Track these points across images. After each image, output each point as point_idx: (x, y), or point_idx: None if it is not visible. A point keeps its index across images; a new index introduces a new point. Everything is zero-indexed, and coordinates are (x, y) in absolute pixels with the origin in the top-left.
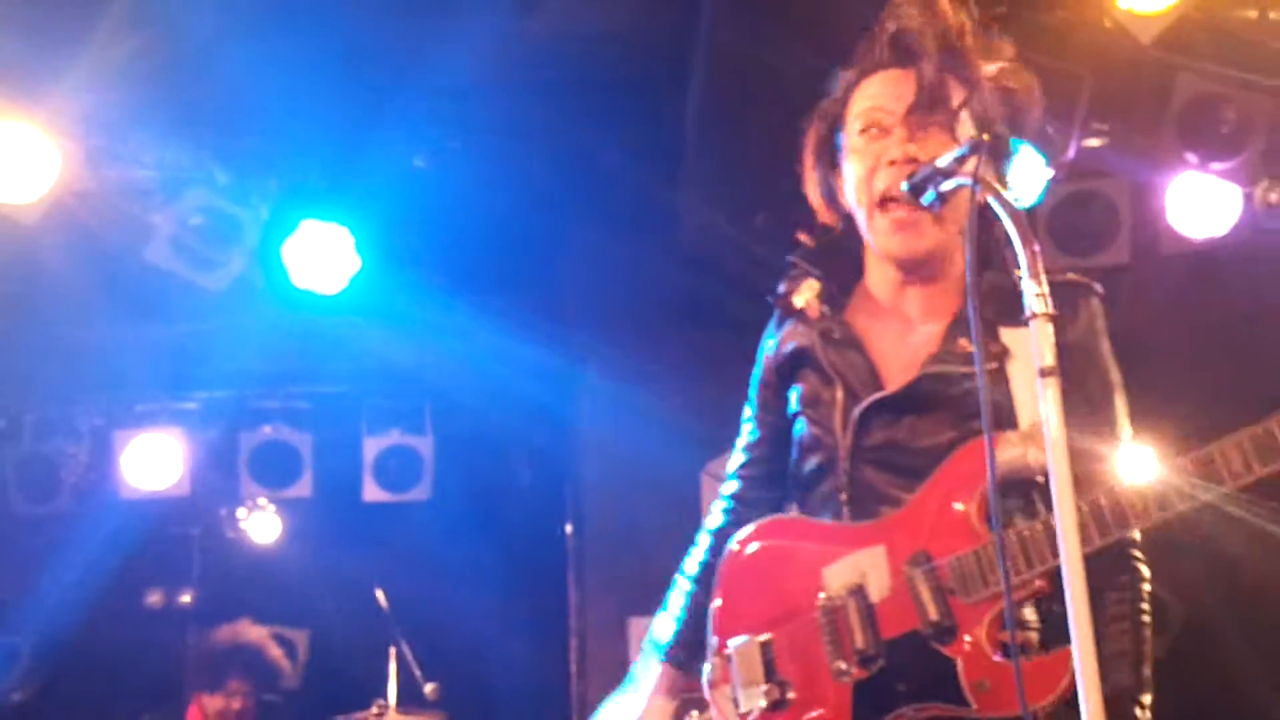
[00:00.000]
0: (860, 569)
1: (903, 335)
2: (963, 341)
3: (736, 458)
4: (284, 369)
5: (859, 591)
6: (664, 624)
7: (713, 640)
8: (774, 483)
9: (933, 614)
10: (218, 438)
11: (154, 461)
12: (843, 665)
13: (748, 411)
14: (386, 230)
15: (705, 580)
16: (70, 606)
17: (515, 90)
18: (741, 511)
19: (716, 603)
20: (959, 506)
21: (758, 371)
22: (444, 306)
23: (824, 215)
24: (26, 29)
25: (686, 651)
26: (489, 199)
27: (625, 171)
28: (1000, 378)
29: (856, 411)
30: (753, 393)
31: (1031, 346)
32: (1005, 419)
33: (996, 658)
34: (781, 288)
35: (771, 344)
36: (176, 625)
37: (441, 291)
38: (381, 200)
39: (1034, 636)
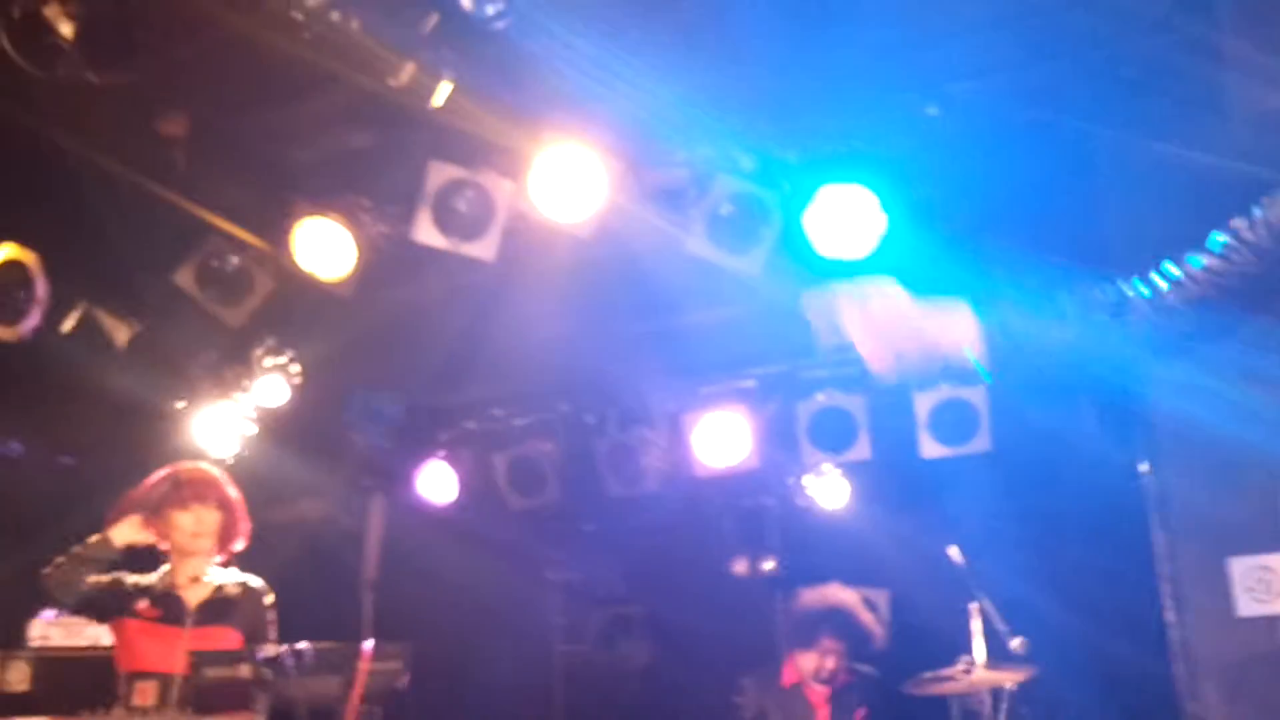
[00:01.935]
0: None
1: None
2: None
3: None
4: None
5: None
6: None
7: None
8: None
9: None
10: (777, 410)
11: (723, 439)
12: None
13: None
14: (909, 185)
15: None
16: (668, 578)
17: (1015, 20)
18: None
19: None
20: None
21: None
22: (976, 253)
23: None
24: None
25: None
26: (1009, 138)
27: (1153, 82)
28: None
29: None
30: None
31: None
32: None
33: None
34: None
35: None
36: (764, 592)
37: (972, 238)
38: (900, 156)
39: None
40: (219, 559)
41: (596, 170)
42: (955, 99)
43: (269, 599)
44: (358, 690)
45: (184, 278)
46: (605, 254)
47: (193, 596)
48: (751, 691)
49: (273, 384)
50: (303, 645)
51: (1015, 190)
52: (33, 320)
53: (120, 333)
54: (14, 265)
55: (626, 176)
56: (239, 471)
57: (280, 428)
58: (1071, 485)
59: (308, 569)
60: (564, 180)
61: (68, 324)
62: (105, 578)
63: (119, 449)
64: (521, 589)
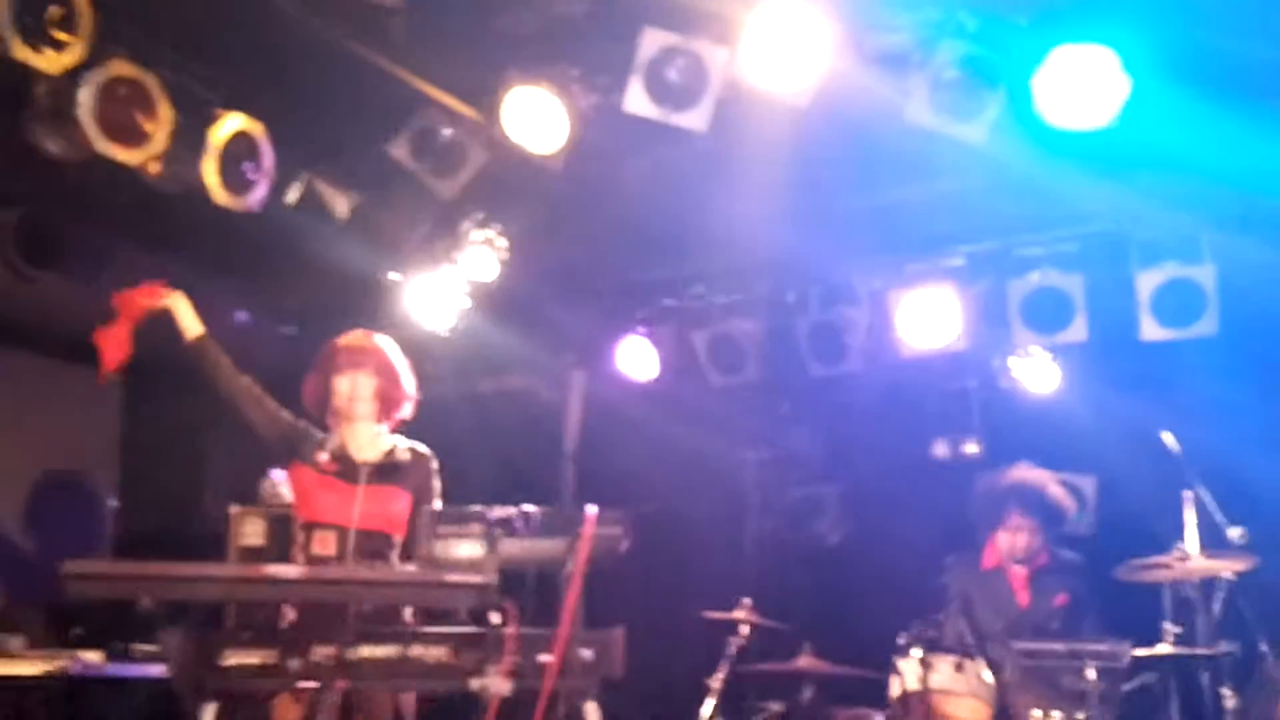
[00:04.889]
0: None
1: None
2: None
3: None
4: (1046, 212)
5: None
6: None
7: None
8: None
9: None
10: (987, 289)
11: (929, 319)
12: None
13: None
14: (1152, 44)
15: None
16: (867, 458)
17: None
18: None
19: None
20: None
21: None
22: (1219, 118)
23: None
24: None
25: None
26: None
27: None
28: None
29: None
30: None
31: None
32: None
33: None
34: None
35: None
36: (965, 474)
37: (1217, 100)
38: (1143, 10)
39: None
40: (385, 426)
41: (814, 34)
42: None
43: (435, 465)
44: (583, 554)
45: (399, 149)
46: (816, 125)
47: (365, 457)
48: (955, 571)
49: (481, 257)
50: (529, 507)
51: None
52: (261, 191)
53: (340, 204)
54: (242, 136)
55: (846, 41)
56: (452, 343)
57: (489, 301)
58: None
59: (515, 437)
60: (780, 45)
61: (291, 195)
62: (297, 421)
63: (337, 320)
64: (719, 465)
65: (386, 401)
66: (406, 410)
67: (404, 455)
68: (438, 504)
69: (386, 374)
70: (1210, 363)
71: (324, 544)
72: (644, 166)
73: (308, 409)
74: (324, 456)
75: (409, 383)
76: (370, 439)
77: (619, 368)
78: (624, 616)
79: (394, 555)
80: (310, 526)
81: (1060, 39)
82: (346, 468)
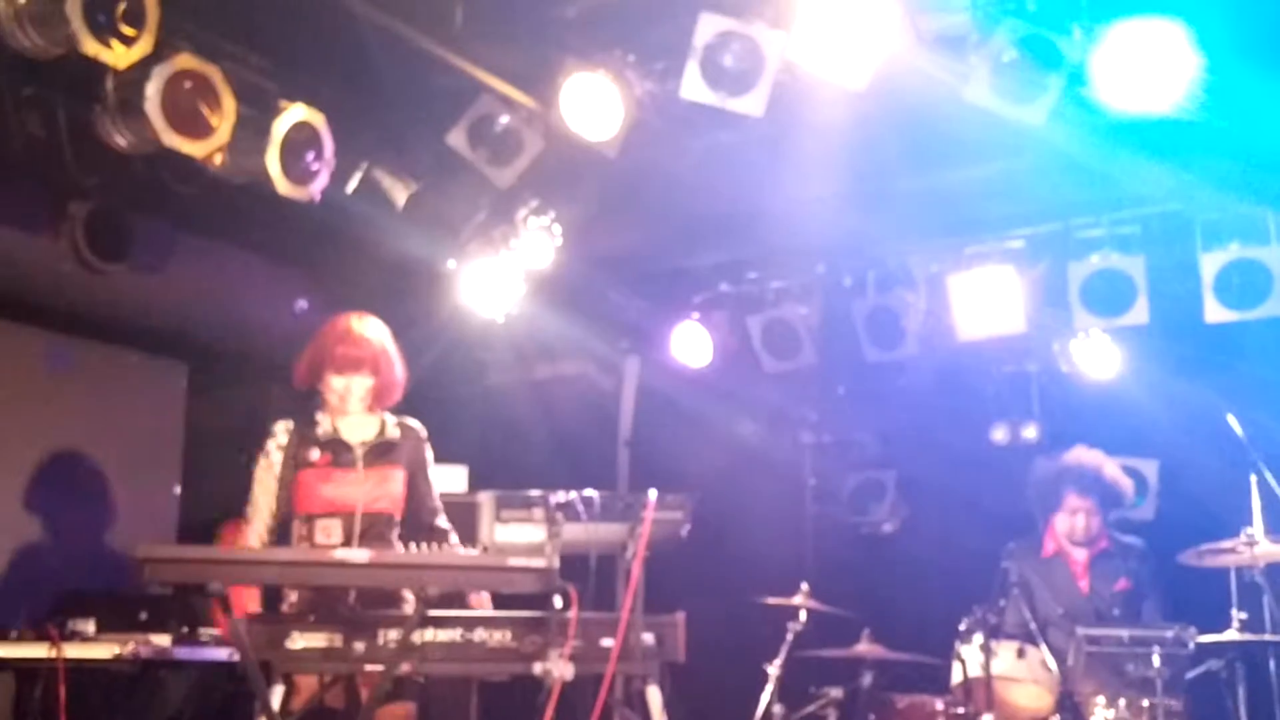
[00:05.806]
0: None
1: None
2: None
3: None
4: (1108, 193)
5: None
6: None
7: None
8: None
9: None
10: (1047, 272)
11: (988, 302)
12: None
13: None
14: (1229, 15)
15: None
16: (924, 444)
17: None
18: None
19: None
20: None
21: None
22: None
23: None
24: None
25: None
26: None
27: None
28: None
29: None
30: None
31: None
32: None
33: None
34: None
35: None
36: (1023, 460)
37: None
38: None
39: None
40: (375, 411)
41: (872, 16)
42: None
43: (425, 436)
44: (644, 538)
45: (456, 138)
46: (874, 107)
47: (359, 439)
48: (1015, 557)
49: (537, 244)
50: (590, 492)
51: None
52: (322, 181)
53: (398, 193)
54: (304, 126)
55: (903, 23)
56: (508, 329)
57: (545, 288)
58: None
59: (572, 423)
60: (837, 28)
61: (351, 184)
62: (281, 492)
63: (394, 308)
64: (774, 451)
65: (381, 395)
66: (397, 395)
67: (394, 432)
68: (433, 475)
69: (383, 372)
70: (1276, 344)
71: (328, 533)
72: (699, 151)
73: (296, 385)
74: (315, 454)
75: (400, 370)
76: (362, 425)
77: (673, 354)
78: (682, 602)
79: (394, 536)
80: (310, 518)
81: (1123, 14)
82: (340, 454)
